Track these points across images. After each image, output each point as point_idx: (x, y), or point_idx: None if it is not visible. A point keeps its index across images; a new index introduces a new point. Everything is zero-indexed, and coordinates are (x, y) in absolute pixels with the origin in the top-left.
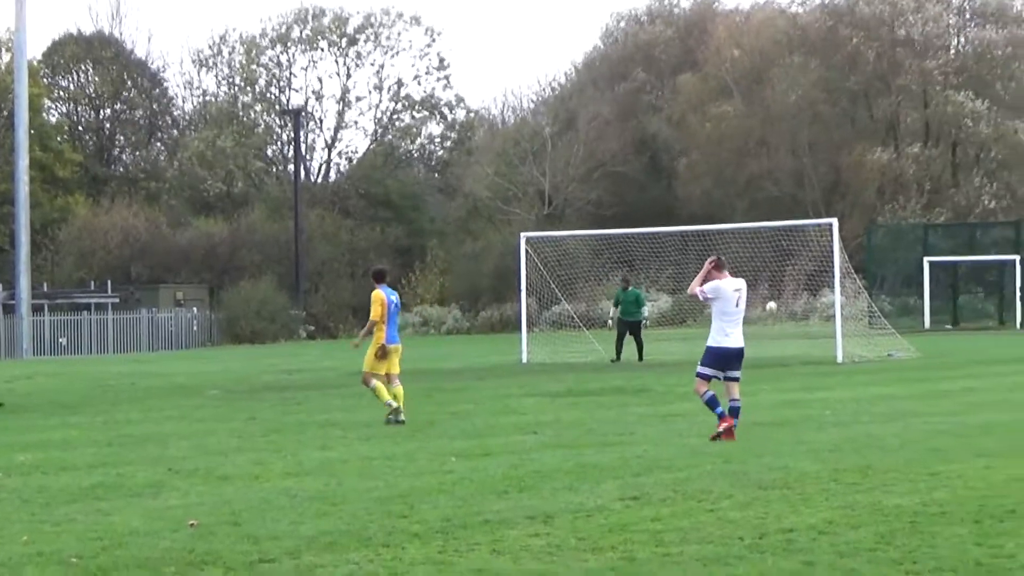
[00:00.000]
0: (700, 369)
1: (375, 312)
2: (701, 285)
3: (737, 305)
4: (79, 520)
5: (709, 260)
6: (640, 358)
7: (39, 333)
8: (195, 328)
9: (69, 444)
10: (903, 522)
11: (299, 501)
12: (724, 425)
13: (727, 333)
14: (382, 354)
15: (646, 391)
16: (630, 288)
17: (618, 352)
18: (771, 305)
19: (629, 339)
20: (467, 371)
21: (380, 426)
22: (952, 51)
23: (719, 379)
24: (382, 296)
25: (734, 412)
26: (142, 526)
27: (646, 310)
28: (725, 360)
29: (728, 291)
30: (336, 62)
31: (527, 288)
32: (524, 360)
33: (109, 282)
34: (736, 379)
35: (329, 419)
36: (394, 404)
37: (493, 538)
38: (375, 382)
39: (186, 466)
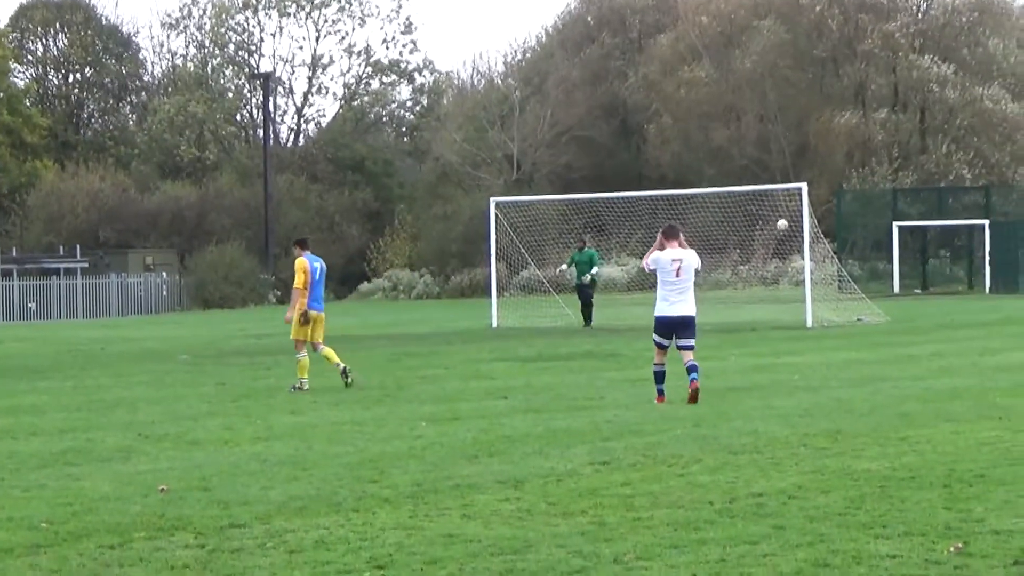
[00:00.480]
0: (653, 337)
1: (298, 280)
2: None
3: (678, 275)
4: (49, 485)
5: (661, 229)
6: (589, 323)
7: (8, 298)
8: (164, 293)
9: (39, 409)
10: (872, 486)
11: (269, 466)
12: (657, 401)
13: (668, 301)
14: (304, 320)
15: (616, 356)
16: (586, 249)
17: (587, 318)
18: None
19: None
20: (437, 336)
21: (350, 390)
22: (918, 14)
23: (671, 346)
24: (305, 264)
25: (690, 370)
26: (112, 491)
27: (595, 268)
28: (667, 327)
29: (666, 261)
30: (305, 26)
31: (497, 253)
32: (494, 325)
33: (78, 247)
34: (687, 347)
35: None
36: (306, 385)
37: (463, 503)
38: (300, 356)
39: (156, 431)
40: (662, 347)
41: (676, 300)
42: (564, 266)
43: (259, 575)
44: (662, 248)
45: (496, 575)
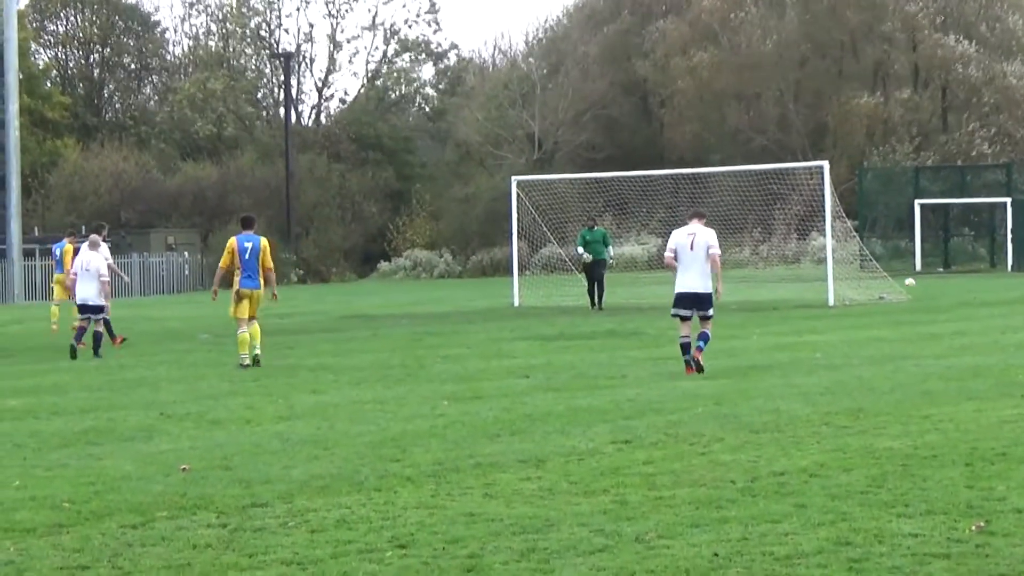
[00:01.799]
0: (672, 311)
1: (223, 260)
2: None
3: (692, 248)
4: (71, 465)
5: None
6: (600, 304)
7: (30, 278)
8: (186, 272)
9: (61, 389)
10: (894, 465)
11: (291, 445)
12: (687, 372)
13: (684, 276)
14: (238, 298)
15: (638, 334)
16: (596, 228)
17: (592, 299)
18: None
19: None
20: (458, 315)
21: (371, 369)
22: None
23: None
24: (232, 243)
25: (701, 338)
26: (134, 471)
27: (611, 250)
28: (681, 301)
29: (682, 234)
30: (327, 4)
31: (518, 232)
32: (515, 304)
33: None
34: (706, 317)
35: (320, 363)
36: (247, 361)
37: (485, 482)
38: (239, 332)
39: (178, 410)
40: (684, 318)
41: (694, 275)
42: (580, 250)
43: (281, 554)
44: (686, 225)
45: (518, 554)
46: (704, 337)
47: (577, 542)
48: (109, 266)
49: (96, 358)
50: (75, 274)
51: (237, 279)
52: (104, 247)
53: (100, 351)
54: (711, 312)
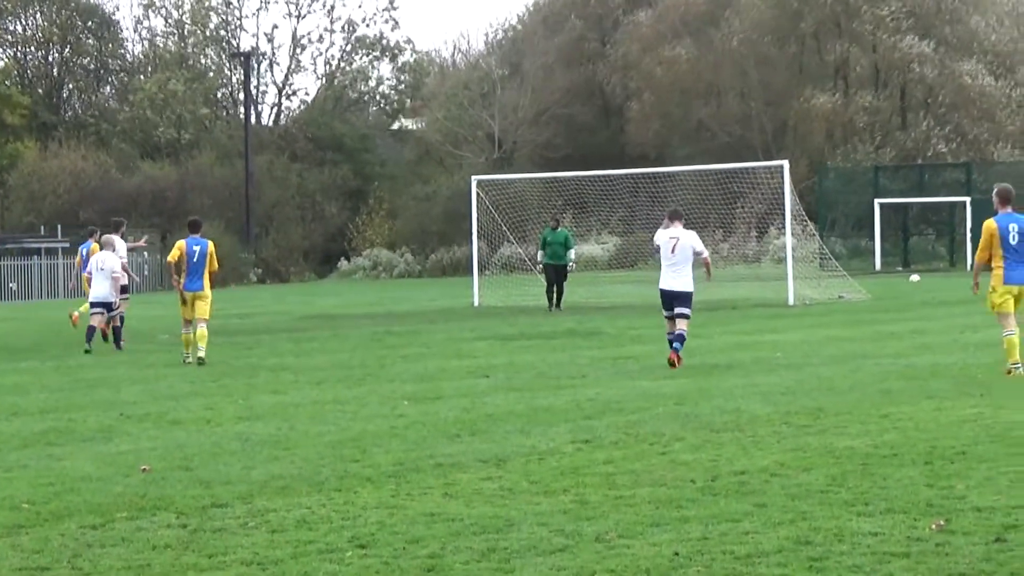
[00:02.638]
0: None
1: (171, 255)
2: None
3: (673, 252)
4: (31, 466)
5: (667, 212)
6: (559, 305)
7: None
8: (146, 272)
9: (20, 389)
10: (854, 464)
11: (251, 445)
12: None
13: (666, 275)
14: (182, 300)
15: (598, 334)
16: (559, 228)
17: (551, 300)
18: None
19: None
20: (418, 314)
21: (332, 370)
22: None
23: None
24: (182, 246)
25: (677, 339)
26: (94, 471)
27: (572, 254)
28: (664, 299)
29: (664, 239)
30: (287, 3)
31: (478, 231)
32: (476, 303)
33: (59, 227)
34: (681, 315)
35: (280, 363)
36: (189, 359)
37: (445, 481)
38: (183, 331)
39: (137, 411)
40: (669, 318)
41: (672, 275)
42: (539, 253)
43: (241, 554)
44: (666, 229)
45: (478, 554)
46: (680, 338)
47: (537, 542)
48: (123, 265)
49: (118, 351)
50: (89, 273)
51: (182, 281)
52: (121, 244)
53: (121, 343)
54: (688, 311)
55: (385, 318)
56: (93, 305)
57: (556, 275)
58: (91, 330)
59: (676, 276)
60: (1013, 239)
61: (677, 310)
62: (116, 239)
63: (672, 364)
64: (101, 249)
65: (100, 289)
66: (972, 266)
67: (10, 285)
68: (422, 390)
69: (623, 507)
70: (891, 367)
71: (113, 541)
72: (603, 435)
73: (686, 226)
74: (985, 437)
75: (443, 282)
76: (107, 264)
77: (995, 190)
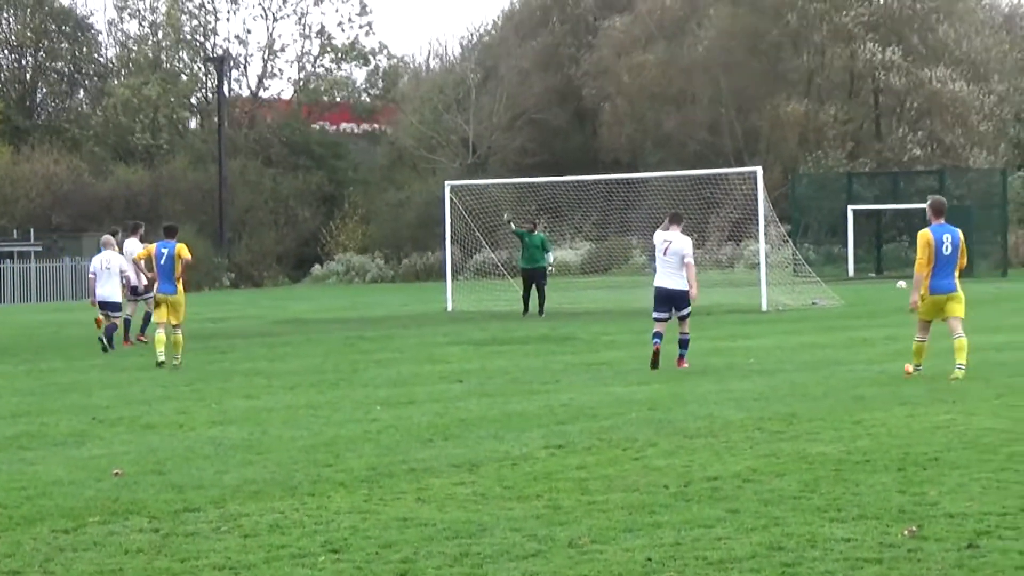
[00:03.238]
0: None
1: (139, 254)
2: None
3: (665, 254)
4: (2, 470)
5: (668, 214)
6: (541, 311)
7: None
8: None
9: None
10: (827, 470)
11: (224, 450)
12: (654, 347)
13: (660, 275)
14: (155, 303)
15: (571, 339)
16: (536, 232)
17: (526, 304)
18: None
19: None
20: (391, 319)
21: (305, 374)
22: (869, 2)
23: (670, 319)
24: (150, 248)
25: (681, 344)
26: (66, 475)
27: (551, 256)
28: (660, 299)
29: (658, 240)
30: (261, 5)
31: (451, 236)
32: (449, 308)
33: (32, 231)
34: (682, 317)
35: (254, 368)
36: (161, 358)
37: (418, 486)
38: (157, 332)
39: (110, 415)
40: (659, 320)
41: (666, 275)
42: (509, 221)
43: (214, 559)
44: (666, 230)
45: (451, 559)
46: (683, 343)
47: (510, 547)
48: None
49: (110, 350)
50: (94, 273)
51: (155, 285)
52: (139, 247)
53: (113, 344)
54: (687, 311)
55: (358, 323)
56: (102, 307)
57: (533, 278)
58: (111, 327)
59: (670, 276)
60: (946, 249)
61: (678, 313)
62: (134, 241)
63: (655, 365)
64: (101, 249)
65: (106, 290)
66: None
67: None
68: (395, 395)
69: (596, 512)
70: (864, 373)
71: (85, 545)
72: (576, 440)
73: (644, 227)
74: (958, 443)
75: (416, 287)
76: (113, 264)
77: (928, 202)
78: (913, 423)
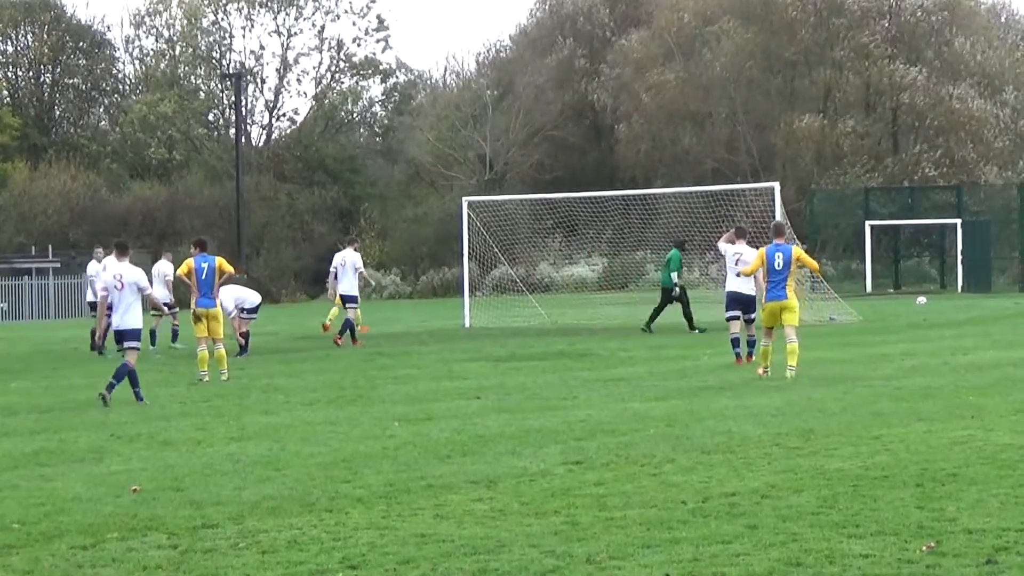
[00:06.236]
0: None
1: (181, 269)
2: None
3: (736, 263)
4: (21, 486)
5: (733, 228)
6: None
7: None
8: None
9: (11, 410)
10: (845, 486)
11: (242, 466)
12: (736, 363)
13: (732, 281)
14: (194, 318)
15: (589, 355)
16: (673, 249)
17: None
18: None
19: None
20: (409, 336)
21: (323, 390)
22: (889, 17)
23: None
24: (190, 262)
25: (749, 344)
26: (85, 492)
27: (675, 276)
28: (733, 301)
29: (730, 254)
30: (275, 20)
31: (469, 252)
32: (467, 324)
33: (50, 247)
34: (748, 320)
35: (272, 384)
36: (205, 378)
37: (436, 503)
38: (198, 350)
39: (129, 431)
40: (733, 319)
41: (739, 282)
42: (675, 276)
43: (232, 575)
44: (732, 243)
45: (469, 575)
46: (750, 342)
47: (528, 563)
48: (167, 281)
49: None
50: (105, 290)
51: (193, 299)
52: (168, 266)
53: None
54: (753, 316)
55: (376, 339)
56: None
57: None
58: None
59: (743, 283)
60: (777, 265)
61: (745, 316)
62: (165, 262)
63: (739, 359)
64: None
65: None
66: (962, 288)
67: (1, 306)
68: (413, 411)
69: (614, 529)
70: (882, 389)
71: (104, 562)
72: (594, 456)
73: (702, 246)
74: (976, 459)
75: (433, 303)
76: (129, 279)
77: (772, 224)
78: (931, 439)
